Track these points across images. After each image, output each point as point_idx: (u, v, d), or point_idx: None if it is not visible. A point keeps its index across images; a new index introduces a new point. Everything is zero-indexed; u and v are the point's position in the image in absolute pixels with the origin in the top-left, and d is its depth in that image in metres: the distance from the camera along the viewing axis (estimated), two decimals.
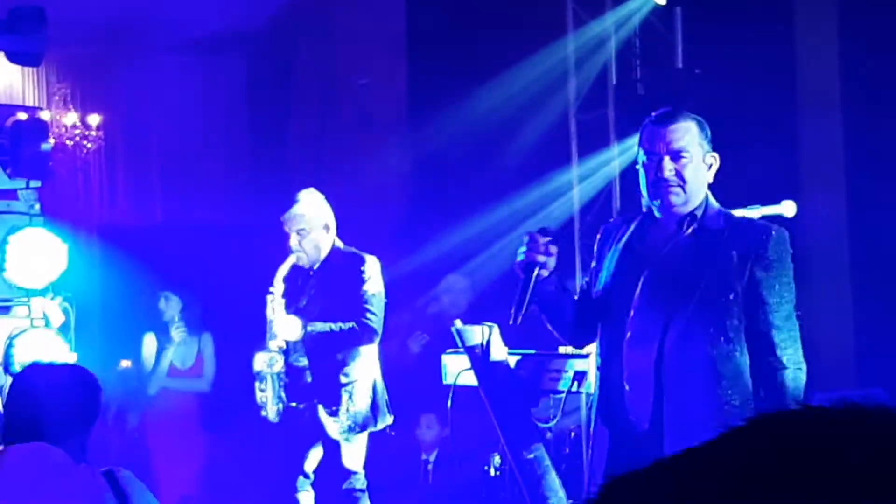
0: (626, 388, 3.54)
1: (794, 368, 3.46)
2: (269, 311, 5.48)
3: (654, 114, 3.86)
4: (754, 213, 5.25)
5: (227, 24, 8.48)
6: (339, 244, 5.55)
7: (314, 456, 5.44)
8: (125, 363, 8.01)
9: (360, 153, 8.58)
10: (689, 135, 3.49)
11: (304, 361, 5.51)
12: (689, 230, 3.47)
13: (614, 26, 6.77)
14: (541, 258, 3.45)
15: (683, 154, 3.44)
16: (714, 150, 3.91)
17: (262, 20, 8.55)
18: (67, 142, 9.25)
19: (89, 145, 9.40)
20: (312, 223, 5.42)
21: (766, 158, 6.20)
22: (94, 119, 9.50)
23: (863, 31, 6.18)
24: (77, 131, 9.38)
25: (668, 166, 3.44)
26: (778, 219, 5.19)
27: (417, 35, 8.87)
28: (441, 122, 7.81)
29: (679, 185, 3.45)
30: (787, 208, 5.66)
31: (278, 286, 5.46)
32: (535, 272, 3.47)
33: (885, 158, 6.02)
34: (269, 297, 5.48)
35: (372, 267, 5.44)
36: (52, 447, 3.50)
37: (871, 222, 6.18)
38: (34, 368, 3.98)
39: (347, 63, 9.04)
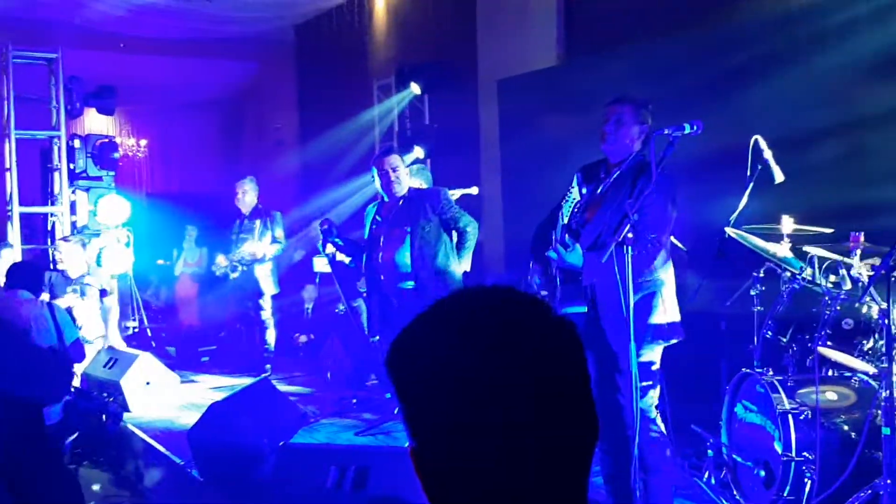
0: (382, 277, 4.97)
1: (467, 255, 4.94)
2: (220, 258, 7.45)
3: (382, 149, 6.20)
4: (458, 192, 6.32)
5: (210, 92, 10.43)
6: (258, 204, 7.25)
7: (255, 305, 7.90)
8: (160, 262, 10.65)
9: (273, 159, 11.02)
10: (396, 159, 5.02)
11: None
12: (401, 201, 4.92)
13: (396, 102, 9.00)
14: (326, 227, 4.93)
15: (390, 167, 4.95)
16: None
17: (228, 91, 10.46)
18: (129, 153, 11.36)
19: (140, 154, 11.67)
20: (248, 188, 7.53)
21: (466, 167, 8.03)
22: (143, 142, 11.64)
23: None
24: (133, 148, 11.52)
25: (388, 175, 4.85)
26: (469, 196, 6.46)
27: (304, 101, 11.15)
28: (316, 145, 10.16)
29: (396, 181, 4.91)
30: (474, 190, 6.81)
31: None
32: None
33: (516, 174, 7.46)
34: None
35: (279, 217, 7.43)
36: (22, 290, 4.92)
37: (514, 195, 7.64)
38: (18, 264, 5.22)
39: (271, 114, 11.16)
